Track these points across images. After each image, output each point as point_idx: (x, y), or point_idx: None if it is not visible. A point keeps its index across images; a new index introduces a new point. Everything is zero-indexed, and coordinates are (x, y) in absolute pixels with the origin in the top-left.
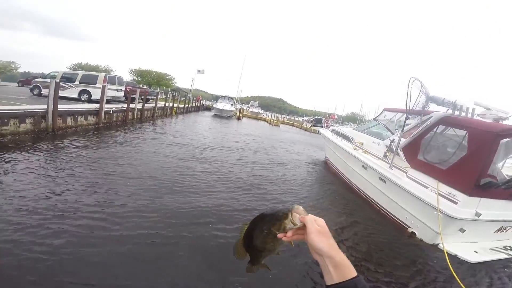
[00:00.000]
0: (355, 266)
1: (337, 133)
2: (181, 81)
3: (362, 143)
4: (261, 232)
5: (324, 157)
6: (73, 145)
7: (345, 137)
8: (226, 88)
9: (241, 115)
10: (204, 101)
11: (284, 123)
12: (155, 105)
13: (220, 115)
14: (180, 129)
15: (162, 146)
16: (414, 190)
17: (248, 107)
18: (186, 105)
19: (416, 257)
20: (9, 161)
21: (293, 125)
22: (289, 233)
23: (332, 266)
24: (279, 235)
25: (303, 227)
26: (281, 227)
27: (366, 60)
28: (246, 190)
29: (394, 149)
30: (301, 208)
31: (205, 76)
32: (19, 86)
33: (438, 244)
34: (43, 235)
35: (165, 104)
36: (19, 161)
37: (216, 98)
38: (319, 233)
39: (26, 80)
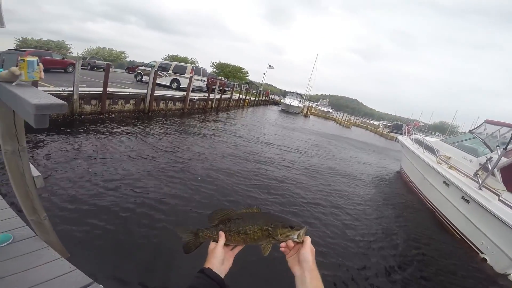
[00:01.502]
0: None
1: (419, 142)
2: (254, 75)
3: (448, 158)
4: (264, 225)
5: (398, 167)
6: (163, 124)
7: (429, 148)
8: (295, 84)
9: (308, 112)
10: (272, 95)
11: (357, 125)
12: (231, 97)
13: (287, 111)
14: (250, 121)
15: (231, 136)
16: (504, 214)
17: (317, 105)
18: (257, 98)
19: (480, 283)
20: (115, 131)
21: (366, 129)
22: (290, 243)
23: (310, 278)
24: (283, 243)
25: (300, 244)
26: (285, 234)
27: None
28: (303, 189)
29: (490, 168)
30: (306, 229)
31: (275, 71)
32: (126, 72)
33: (509, 274)
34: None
35: (239, 96)
36: (122, 132)
37: (284, 94)
38: (312, 251)
39: (132, 67)
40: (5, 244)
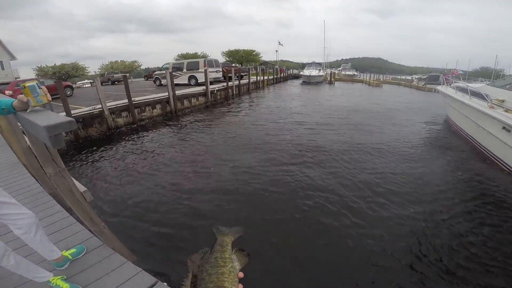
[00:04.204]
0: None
1: (464, 90)
2: (268, 55)
3: (502, 101)
4: None
5: (444, 116)
6: (192, 120)
7: (476, 94)
8: (312, 55)
9: (333, 79)
10: (291, 70)
11: (388, 82)
12: (249, 80)
13: (309, 82)
14: (273, 97)
15: (258, 116)
16: None
17: (339, 70)
18: (275, 76)
19: None
20: (150, 136)
21: (399, 84)
22: None
23: None
24: None
25: None
26: None
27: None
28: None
29: None
30: None
31: (289, 46)
32: (145, 80)
33: None
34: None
35: (256, 78)
36: (156, 136)
37: (303, 66)
38: None
39: (149, 74)
40: (82, 255)
